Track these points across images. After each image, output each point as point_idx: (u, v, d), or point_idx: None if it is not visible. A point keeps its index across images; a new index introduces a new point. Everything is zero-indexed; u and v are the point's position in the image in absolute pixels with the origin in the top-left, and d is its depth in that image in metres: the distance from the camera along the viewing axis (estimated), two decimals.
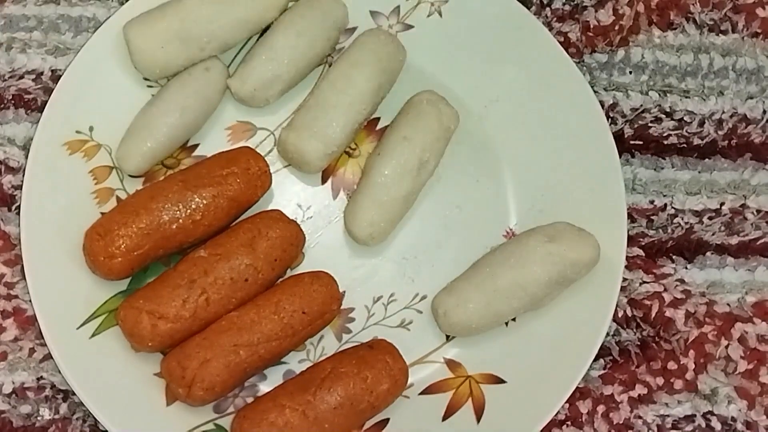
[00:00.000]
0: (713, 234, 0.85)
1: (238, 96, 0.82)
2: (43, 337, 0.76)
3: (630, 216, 0.84)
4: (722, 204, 0.86)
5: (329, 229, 0.82)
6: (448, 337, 0.81)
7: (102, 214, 0.78)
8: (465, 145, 0.84)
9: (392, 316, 0.81)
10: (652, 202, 0.85)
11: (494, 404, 0.78)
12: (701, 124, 0.87)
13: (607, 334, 0.80)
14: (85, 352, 0.75)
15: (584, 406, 0.80)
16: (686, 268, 0.84)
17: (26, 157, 0.79)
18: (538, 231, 0.79)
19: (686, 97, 0.87)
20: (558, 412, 0.78)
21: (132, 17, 0.80)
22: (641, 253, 0.84)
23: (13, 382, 0.78)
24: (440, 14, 0.85)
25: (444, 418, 0.78)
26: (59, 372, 0.76)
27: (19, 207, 0.79)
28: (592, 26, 0.88)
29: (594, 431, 0.80)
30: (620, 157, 0.82)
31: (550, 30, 0.85)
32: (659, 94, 0.87)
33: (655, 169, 0.86)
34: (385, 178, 0.80)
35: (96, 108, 0.80)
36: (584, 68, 0.87)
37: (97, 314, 0.77)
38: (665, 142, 0.87)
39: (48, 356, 0.78)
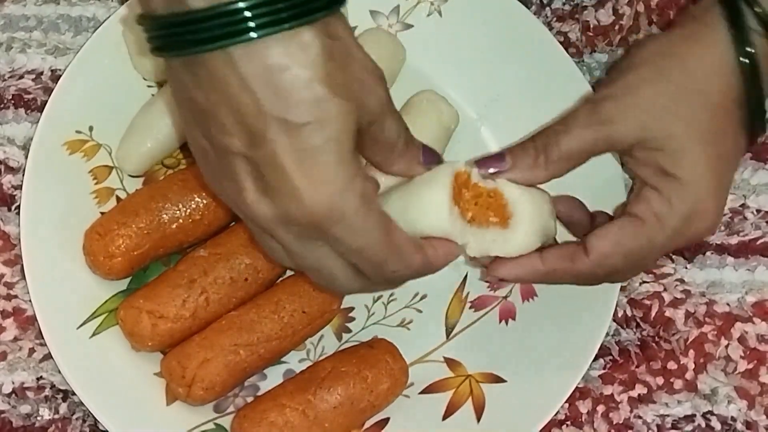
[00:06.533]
0: (713, 234, 0.85)
1: None
2: (42, 337, 0.75)
3: None
4: None
5: None
6: (448, 336, 0.81)
7: (102, 213, 0.78)
8: (465, 144, 0.84)
9: (392, 316, 0.81)
10: None
11: (494, 403, 0.78)
12: None
13: (607, 334, 0.80)
14: (85, 351, 0.75)
15: (584, 406, 0.80)
16: (686, 267, 0.84)
17: (26, 157, 0.79)
18: None
19: None
20: (558, 412, 0.78)
21: (132, 18, 0.80)
22: None
23: (13, 382, 0.78)
24: (440, 14, 0.85)
25: (444, 417, 0.78)
26: (59, 372, 0.76)
27: (18, 207, 0.79)
28: (592, 26, 0.88)
29: (594, 431, 0.80)
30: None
31: (550, 30, 0.85)
32: None
33: None
34: (385, 178, 0.80)
35: (96, 108, 0.80)
36: (584, 68, 0.87)
37: (97, 314, 0.77)
38: None
39: (48, 356, 0.77)
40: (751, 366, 0.82)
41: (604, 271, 0.68)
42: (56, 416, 0.78)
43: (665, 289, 0.83)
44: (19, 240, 0.77)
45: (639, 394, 0.81)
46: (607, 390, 0.81)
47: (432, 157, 0.67)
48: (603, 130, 0.66)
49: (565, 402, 0.78)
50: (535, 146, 0.68)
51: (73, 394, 0.76)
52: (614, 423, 0.80)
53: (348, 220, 0.58)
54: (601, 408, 0.80)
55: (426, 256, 0.63)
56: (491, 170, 0.68)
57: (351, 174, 0.57)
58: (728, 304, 0.83)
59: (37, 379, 0.78)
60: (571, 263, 0.67)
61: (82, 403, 0.75)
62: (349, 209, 0.58)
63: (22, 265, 0.77)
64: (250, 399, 0.77)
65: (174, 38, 0.56)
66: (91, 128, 0.80)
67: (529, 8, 0.85)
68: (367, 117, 0.59)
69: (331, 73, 0.55)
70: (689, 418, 0.81)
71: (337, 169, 0.57)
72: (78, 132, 0.80)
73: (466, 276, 0.82)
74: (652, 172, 0.66)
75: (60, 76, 0.80)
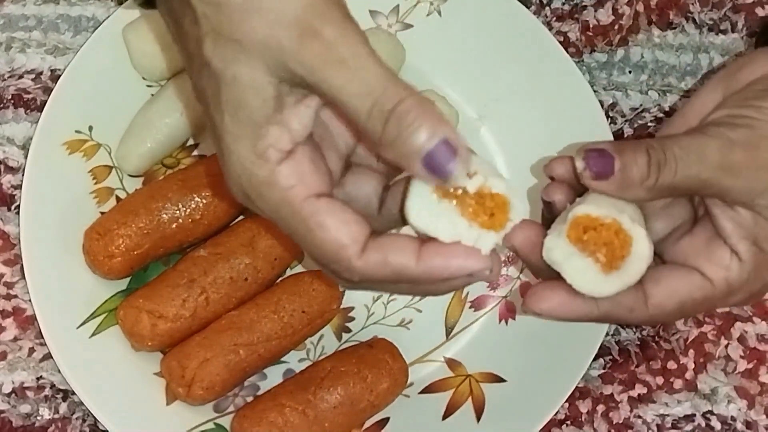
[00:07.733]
0: None
1: None
2: (42, 337, 0.75)
3: None
4: None
5: None
6: (447, 335, 0.81)
7: (102, 213, 0.78)
8: None
9: (392, 315, 0.81)
10: None
11: (494, 403, 0.78)
12: None
13: (607, 334, 0.80)
14: (84, 351, 0.75)
15: (584, 406, 0.80)
16: None
17: (26, 157, 0.79)
18: None
19: (686, 97, 0.87)
20: (558, 412, 0.78)
21: (131, 18, 0.80)
22: None
23: (13, 382, 0.78)
24: (440, 13, 0.85)
25: (444, 417, 0.78)
26: (59, 371, 0.76)
27: (18, 207, 0.79)
28: (591, 26, 0.88)
29: (594, 431, 0.80)
30: None
31: (549, 29, 0.85)
32: (659, 94, 0.87)
33: None
34: None
35: (95, 107, 0.80)
36: (584, 68, 0.87)
37: (96, 314, 0.77)
38: None
39: (48, 356, 0.77)
40: (750, 366, 0.82)
41: (657, 320, 0.62)
42: (56, 416, 0.78)
43: None
44: (19, 240, 0.77)
45: (639, 394, 0.81)
46: (607, 390, 0.81)
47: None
48: (725, 180, 0.55)
49: (565, 402, 0.78)
50: (649, 161, 0.55)
51: (73, 393, 0.76)
52: (614, 423, 0.80)
53: (256, 204, 0.51)
54: (601, 408, 0.80)
55: (390, 267, 0.51)
56: (591, 172, 0.54)
57: (256, 152, 0.49)
58: None
59: (37, 378, 0.78)
60: (629, 313, 0.58)
61: (82, 403, 0.75)
62: (252, 193, 0.51)
63: (22, 265, 0.77)
64: (250, 399, 0.77)
65: None
66: (90, 128, 0.80)
67: (528, 8, 0.85)
68: (294, 80, 0.49)
69: (215, 30, 0.49)
70: (689, 418, 0.81)
71: (238, 145, 0.50)
72: (77, 132, 0.80)
73: None
74: (741, 237, 0.58)
75: (59, 75, 0.80)
